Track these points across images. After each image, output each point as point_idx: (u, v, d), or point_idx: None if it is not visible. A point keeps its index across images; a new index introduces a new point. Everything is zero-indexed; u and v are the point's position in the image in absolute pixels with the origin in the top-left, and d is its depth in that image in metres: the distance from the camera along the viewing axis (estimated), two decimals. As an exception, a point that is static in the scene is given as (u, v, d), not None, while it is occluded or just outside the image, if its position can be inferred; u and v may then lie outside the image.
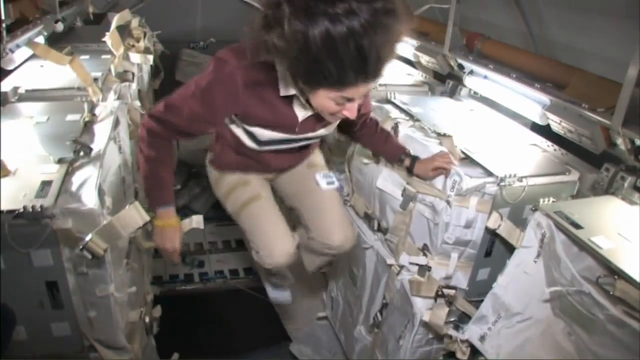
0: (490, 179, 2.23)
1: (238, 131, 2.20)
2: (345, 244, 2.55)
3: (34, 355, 2.09)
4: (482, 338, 2.23)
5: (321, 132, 2.23)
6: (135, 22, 4.04)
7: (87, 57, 3.38)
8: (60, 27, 3.72)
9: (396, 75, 3.64)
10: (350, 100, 1.78)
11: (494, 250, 2.36)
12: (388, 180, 2.64)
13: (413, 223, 2.53)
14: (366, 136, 2.55)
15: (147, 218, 2.01)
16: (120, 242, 2.27)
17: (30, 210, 1.75)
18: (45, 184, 1.91)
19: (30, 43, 2.83)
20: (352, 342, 3.24)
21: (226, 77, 1.89)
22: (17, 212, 1.74)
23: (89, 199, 1.90)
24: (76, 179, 2.00)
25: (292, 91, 1.92)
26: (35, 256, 1.83)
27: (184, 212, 5.59)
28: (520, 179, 2.23)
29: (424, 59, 3.51)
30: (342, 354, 3.67)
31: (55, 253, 1.85)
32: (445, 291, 2.36)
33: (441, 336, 2.48)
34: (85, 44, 3.74)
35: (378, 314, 2.84)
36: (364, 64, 1.59)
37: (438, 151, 2.41)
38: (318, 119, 2.08)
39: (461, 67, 3.17)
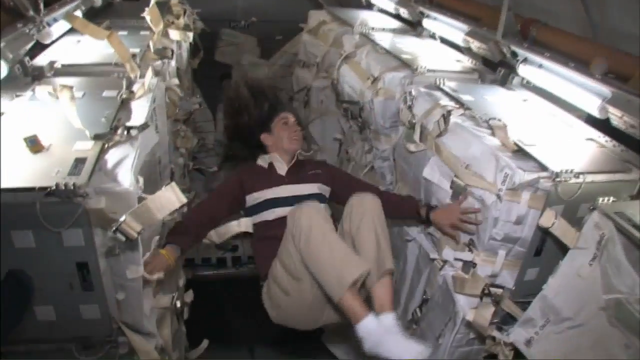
0: (545, 174, 2.12)
1: (255, 216, 2.86)
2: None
3: (62, 338, 2.07)
4: (529, 342, 2.12)
5: (313, 187, 2.88)
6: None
7: (125, 33, 3.36)
8: (98, 1, 3.70)
9: (445, 61, 3.52)
10: (288, 123, 3.00)
11: (545, 249, 2.24)
12: (435, 170, 2.55)
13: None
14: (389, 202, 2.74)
15: (184, 200, 1.95)
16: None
17: (63, 188, 1.71)
18: (79, 162, 1.87)
19: (68, 16, 2.80)
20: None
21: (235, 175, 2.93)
22: (49, 189, 1.70)
23: (125, 179, 1.87)
24: (112, 157, 1.96)
25: (268, 160, 2.97)
26: (67, 236, 1.79)
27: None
28: (577, 175, 2.10)
29: (475, 45, 3.37)
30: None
31: (87, 233, 1.81)
32: (492, 290, 2.26)
33: (483, 337, 2.38)
34: (124, 19, 3.71)
35: (417, 310, 2.76)
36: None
37: (455, 204, 2.43)
38: (299, 173, 2.93)
39: (514, 54, 3.02)
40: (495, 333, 2.26)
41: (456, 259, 2.43)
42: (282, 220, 2.60)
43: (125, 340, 2.10)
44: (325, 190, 2.93)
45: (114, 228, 1.74)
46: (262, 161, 2.96)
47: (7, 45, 2.40)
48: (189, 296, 2.63)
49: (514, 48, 2.99)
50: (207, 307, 3.13)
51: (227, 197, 2.84)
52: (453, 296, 2.40)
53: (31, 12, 2.65)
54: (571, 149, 2.38)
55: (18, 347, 2.08)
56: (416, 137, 2.73)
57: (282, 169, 2.93)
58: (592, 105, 2.46)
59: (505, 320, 2.34)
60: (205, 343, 2.92)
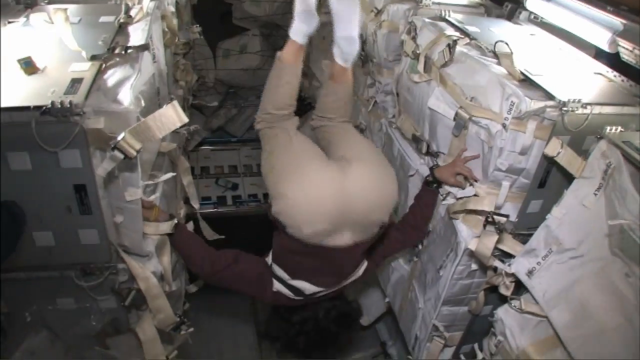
0: (552, 103, 2.06)
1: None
2: None
3: (62, 264, 2.07)
4: (530, 273, 2.12)
5: None
6: None
7: (121, -37, 3.24)
8: None
9: (450, -7, 3.41)
10: None
11: (549, 181, 2.22)
12: (440, 100, 2.49)
13: (468, 146, 2.40)
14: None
15: (185, 119, 1.89)
16: (153, 145, 2.20)
17: (59, 106, 1.67)
18: (76, 82, 1.82)
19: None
20: (388, 271, 3.19)
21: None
22: (44, 108, 1.67)
23: (124, 99, 1.82)
24: (110, 77, 1.92)
25: None
26: (64, 157, 1.76)
27: (219, 134, 5.55)
28: (584, 106, 2.05)
29: (481, -23, 3.27)
30: (376, 282, 3.63)
31: (84, 155, 1.77)
32: (496, 218, 2.23)
33: (485, 268, 2.38)
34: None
35: (419, 243, 2.75)
36: None
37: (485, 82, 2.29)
38: None
39: (521, -13, 2.94)
40: (497, 263, 2.25)
41: (458, 198, 2.42)
42: None
43: (125, 267, 2.10)
44: None
45: (112, 145, 1.70)
46: None
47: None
48: (189, 227, 2.62)
49: (522, -20, 2.89)
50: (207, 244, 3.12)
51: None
52: (455, 226, 2.38)
53: None
54: (579, 81, 2.31)
55: (18, 275, 2.09)
56: (420, 67, 2.66)
57: None
58: (602, 39, 2.38)
59: (507, 254, 2.33)
60: (200, 283, 2.93)
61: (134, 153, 1.75)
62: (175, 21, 2.99)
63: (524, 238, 2.26)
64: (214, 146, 5.40)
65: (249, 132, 5.74)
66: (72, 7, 2.45)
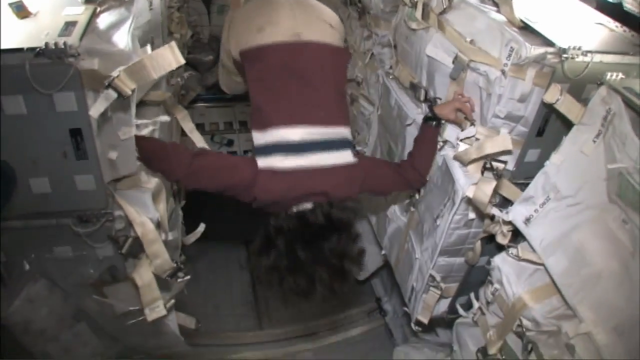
0: (552, 49, 2.04)
1: None
2: None
3: (58, 211, 2.06)
4: (528, 220, 2.12)
5: None
6: None
7: None
8: None
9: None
10: None
11: (547, 130, 2.21)
12: (438, 47, 2.47)
13: (464, 92, 2.38)
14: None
15: (182, 60, 1.85)
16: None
17: (53, 47, 1.64)
18: (70, 24, 1.79)
19: None
20: (384, 223, 3.19)
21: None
22: (38, 49, 1.64)
23: (120, 40, 1.79)
24: (104, 20, 1.89)
25: None
26: (59, 100, 1.73)
27: (213, 91, 5.46)
28: (584, 53, 2.02)
29: None
30: (372, 237, 3.65)
31: (79, 97, 1.74)
32: (494, 164, 2.23)
33: (482, 217, 2.38)
34: None
35: (416, 193, 2.75)
36: None
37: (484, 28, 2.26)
38: None
39: None
40: (495, 211, 2.26)
41: (461, 140, 2.39)
42: None
43: (122, 214, 2.09)
44: None
45: (106, 83, 1.67)
46: None
47: None
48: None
49: None
50: (203, 203, 3.12)
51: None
52: (453, 174, 2.37)
53: None
54: (580, 30, 2.27)
55: (15, 223, 2.07)
56: (418, 14, 2.61)
57: None
58: (604, -14, 2.36)
59: (504, 204, 2.33)
60: (201, 227, 2.93)
61: (129, 92, 1.73)
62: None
63: (521, 188, 2.25)
64: (208, 103, 5.34)
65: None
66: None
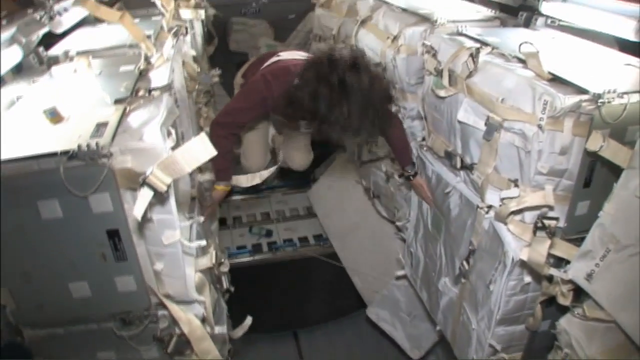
0: (587, 97, 1.98)
1: None
2: (299, 167, 3.86)
3: (100, 315, 2.02)
4: (589, 276, 1.98)
5: None
6: (184, -17, 3.90)
7: (137, 20, 3.27)
8: (107, -6, 3.64)
9: (463, 12, 3.38)
10: None
11: (595, 179, 2.11)
12: (470, 112, 2.43)
13: (500, 155, 2.30)
14: (391, 136, 3.16)
15: (214, 152, 1.83)
16: (182, 190, 2.15)
17: (86, 149, 1.64)
18: (101, 126, 1.80)
19: (78, -1, 2.73)
20: (437, 297, 3.06)
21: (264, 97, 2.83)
22: (71, 152, 1.64)
23: (152, 136, 1.78)
24: (135, 118, 1.88)
25: None
26: (94, 201, 1.72)
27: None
28: (621, 95, 1.95)
29: (493, -10, 3.25)
30: (423, 313, 3.51)
31: (115, 197, 1.73)
32: (546, 222, 2.12)
33: (538, 280, 2.25)
34: (134, 10, 3.64)
35: (464, 263, 2.64)
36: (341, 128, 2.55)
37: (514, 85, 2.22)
38: None
39: (534, -6, 2.90)
40: (552, 271, 2.12)
41: (503, 199, 2.29)
42: None
43: (165, 313, 2.03)
44: None
45: (141, 181, 1.65)
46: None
47: (19, 30, 2.37)
48: (226, 266, 2.56)
49: (534, -13, 2.85)
50: (246, 293, 3.07)
51: (254, 115, 2.99)
52: (501, 237, 2.27)
53: (40, -3, 2.60)
54: (609, 73, 2.20)
55: (56, 331, 2.03)
56: (445, 81, 2.60)
57: None
58: (627, 28, 2.31)
59: (559, 264, 2.20)
60: (249, 320, 2.84)
61: (164, 187, 1.69)
62: (195, 67, 3.00)
63: (575, 243, 2.13)
64: (243, 195, 5.38)
65: (279, 178, 5.72)
66: (92, 62, 2.46)
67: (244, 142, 3.62)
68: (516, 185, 2.24)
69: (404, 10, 3.48)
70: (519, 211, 2.21)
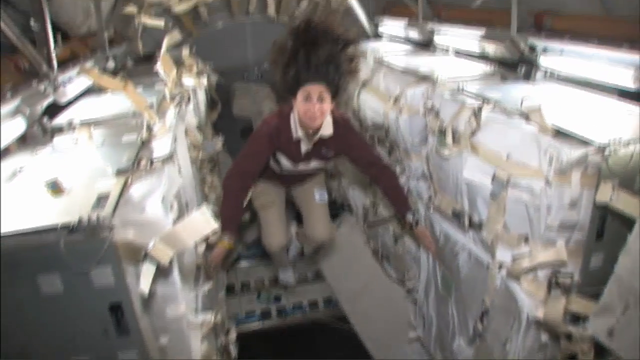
0: (592, 148, 1.95)
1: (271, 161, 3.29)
2: (321, 236, 3.68)
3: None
4: (611, 332, 1.91)
5: (317, 164, 3.32)
6: (186, 52, 3.98)
7: (140, 89, 3.32)
8: (111, 64, 3.72)
9: (463, 70, 3.41)
10: (309, 99, 2.83)
11: (607, 230, 2.05)
12: (475, 170, 2.42)
13: (508, 211, 2.26)
14: (385, 187, 3.29)
15: (215, 225, 1.82)
16: (187, 260, 2.11)
17: (87, 222, 1.60)
18: (102, 198, 1.77)
19: (82, 69, 2.78)
20: (452, 358, 2.95)
21: (270, 134, 3.06)
22: (72, 225, 1.60)
23: (153, 208, 1.75)
24: (136, 190, 1.86)
25: (300, 133, 3.06)
26: (96, 275, 1.66)
27: (254, 248, 5.49)
28: (626, 144, 1.93)
29: (491, 47, 3.28)
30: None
31: (116, 270, 1.67)
32: (561, 279, 2.05)
33: (556, 338, 2.17)
34: (137, 79, 3.69)
35: (478, 323, 2.56)
36: (306, 71, 2.78)
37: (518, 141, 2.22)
38: (315, 154, 3.21)
39: (532, 48, 2.92)
40: (572, 328, 2.04)
41: (514, 257, 2.24)
42: (286, 174, 3.39)
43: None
44: (329, 162, 3.54)
45: (144, 254, 1.61)
46: (294, 129, 3.06)
47: (23, 101, 2.39)
48: (232, 333, 2.48)
49: (531, 40, 2.89)
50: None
51: (262, 158, 3.12)
52: (515, 296, 2.20)
53: (45, 68, 2.63)
54: (613, 123, 2.20)
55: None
56: (448, 140, 2.60)
57: (305, 145, 3.16)
58: (626, 77, 2.33)
59: (576, 320, 2.13)
60: None
61: (167, 261, 1.66)
62: (198, 135, 3.00)
63: (591, 298, 2.05)
64: (251, 261, 5.32)
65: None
66: (94, 131, 2.47)
67: (262, 222, 3.65)
68: (527, 242, 2.19)
69: (404, 70, 3.52)
70: (532, 268, 2.15)
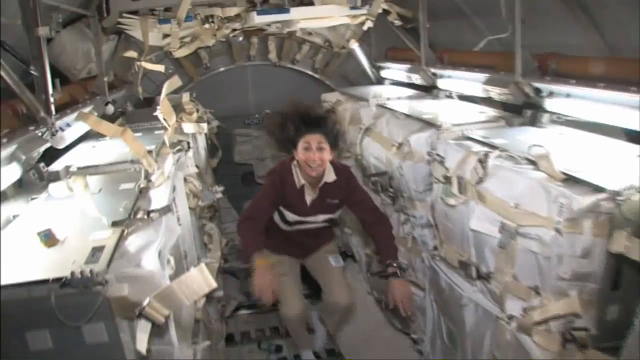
0: (604, 195, 1.92)
1: (275, 216, 3.37)
2: (343, 300, 3.51)
3: None
4: (635, 392, 1.83)
5: (326, 216, 3.40)
6: (186, 97, 3.99)
7: (139, 134, 3.31)
8: (110, 109, 3.72)
9: (467, 115, 3.40)
10: (309, 148, 3.07)
11: (623, 280, 2.00)
12: (483, 220, 2.38)
13: (518, 261, 2.21)
14: (379, 232, 3.34)
15: (214, 284, 1.76)
16: (185, 314, 2.05)
17: (79, 276, 1.55)
18: (97, 250, 1.73)
19: (80, 114, 2.74)
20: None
21: (273, 179, 3.28)
22: (64, 279, 1.55)
23: (149, 262, 1.71)
24: (132, 243, 1.83)
25: (303, 181, 3.22)
26: (88, 331, 1.60)
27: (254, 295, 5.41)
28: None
29: (495, 92, 3.26)
30: None
31: (110, 327, 1.62)
32: (576, 333, 1.99)
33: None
34: (137, 124, 3.69)
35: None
36: (304, 123, 3.09)
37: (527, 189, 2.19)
38: (320, 206, 3.31)
39: (538, 91, 2.91)
40: (593, 387, 1.97)
41: (524, 310, 2.18)
42: (295, 230, 3.44)
43: None
44: (337, 213, 3.51)
45: (137, 312, 1.55)
46: (297, 177, 3.25)
47: (19, 147, 2.38)
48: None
49: (537, 84, 2.88)
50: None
51: (272, 199, 3.26)
52: (528, 351, 2.13)
53: (42, 114, 2.62)
54: (624, 168, 2.16)
55: None
56: (454, 189, 2.57)
57: (309, 195, 3.29)
58: (633, 119, 2.31)
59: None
60: None
61: (162, 319, 1.60)
62: (197, 183, 2.98)
63: (610, 353, 1.98)
64: (251, 310, 5.23)
65: None
66: (92, 178, 2.44)
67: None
68: (538, 293, 2.14)
69: (408, 116, 3.51)
70: (544, 321, 2.08)
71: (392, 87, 4.98)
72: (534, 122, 3.02)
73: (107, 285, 1.59)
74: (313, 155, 3.06)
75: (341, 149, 4.41)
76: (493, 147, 2.56)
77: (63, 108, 2.96)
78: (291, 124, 3.12)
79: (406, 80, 4.69)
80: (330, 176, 3.23)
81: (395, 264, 3.15)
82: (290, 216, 3.33)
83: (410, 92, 4.54)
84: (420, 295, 3.46)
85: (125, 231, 1.89)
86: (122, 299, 1.61)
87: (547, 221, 2.03)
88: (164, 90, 3.10)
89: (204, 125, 3.74)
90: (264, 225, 3.23)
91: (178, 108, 3.85)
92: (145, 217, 2.00)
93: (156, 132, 3.35)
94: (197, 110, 4.09)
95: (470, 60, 3.73)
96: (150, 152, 2.70)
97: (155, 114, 3.15)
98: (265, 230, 3.26)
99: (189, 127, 3.44)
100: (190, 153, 3.19)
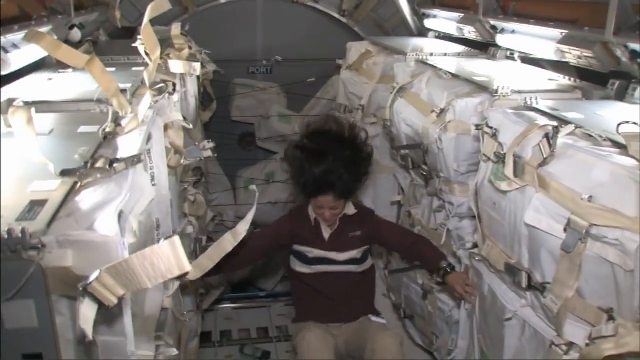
0: None
1: (292, 262, 3.87)
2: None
3: None
4: None
5: (350, 253, 3.76)
6: (176, 30, 3.85)
7: (112, 69, 3.18)
8: (76, 34, 3.61)
9: (532, 81, 3.28)
10: (320, 207, 3.61)
11: None
12: (542, 212, 2.24)
13: (586, 273, 2.08)
14: (421, 245, 3.66)
15: (187, 267, 1.60)
16: (148, 300, 1.93)
17: (6, 237, 1.42)
18: (36, 204, 1.60)
19: (30, 33, 2.59)
20: None
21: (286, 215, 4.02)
22: (-15, 239, 1.43)
23: (105, 225, 1.56)
24: (85, 199, 1.69)
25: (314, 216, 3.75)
26: (10, 310, 1.49)
27: (246, 288, 5.45)
28: None
29: (573, 53, 3.12)
30: None
31: (41, 307, 1.51)
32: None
33: None
34: (110, 57, 3.56)
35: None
36: (313, 185, 3.56)
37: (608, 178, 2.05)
38: (340, 237, 3.74)
39: (635, 54, 2.74)
40: None
41: (590, 339, 2.06)
42: (319, 275, 3.76)
43: None
44: (361, 250, 3.82)
45: (81, 287, 1.41)
46: (312, 213, 3.76)
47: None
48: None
49: (634, 46, 2.70)
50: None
51: (270, 240, 3.84)
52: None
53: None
54: None
55: None
56: (508, 171, 2.44)
57: (325, 231, 3.75)
58: None
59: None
60: None
61: (114, 300, 1.45)
62: (181, 134, 2.86)
63: None
64: (236, 303, 5.21)
65: (282, 283, 5.61)
66: (42, 116, 2.33)
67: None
68: (611, 317, 2.00)
69: (455, 76, 3.45)
70: (619, 357, 1.95)
71: (437, 41, 4.93)
72: (621, 96, 2.89)
73: (44, 251, 1.47)
74: (324, 213, 3.63)
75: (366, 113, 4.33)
76: (564, 121, 2.41)
77: (9, 23, 2.83)
78: (301, 178, 3.63)
79: (456, 34, 4.59)
80: (349, 209, 3.75)
81: (445, 264, 3.37)
82: (309, 251, 3.75)
83: (461, 48, 4.47)
84: (450, 304, 3.41)
85: (78, 183, 1.76)
86: (63, 270, 1.50)
87: (632, 222, 1.88)
88: (147, 14, 2.95)
89: (197, 66, 3.59)
90: (245, 251, 3.40)
91: (165, 43, 3.74)
92: (107, 167, 1.87)
93: (134, 68, 3.22)
94: (190, 47, 3.97)
95: (543, 12, 3.57)
96: (123, 90, 2.55)
97: (134, 44, 3.01)
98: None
99: (176, 65, 3.30)
100: (176, 97, 3.08)
